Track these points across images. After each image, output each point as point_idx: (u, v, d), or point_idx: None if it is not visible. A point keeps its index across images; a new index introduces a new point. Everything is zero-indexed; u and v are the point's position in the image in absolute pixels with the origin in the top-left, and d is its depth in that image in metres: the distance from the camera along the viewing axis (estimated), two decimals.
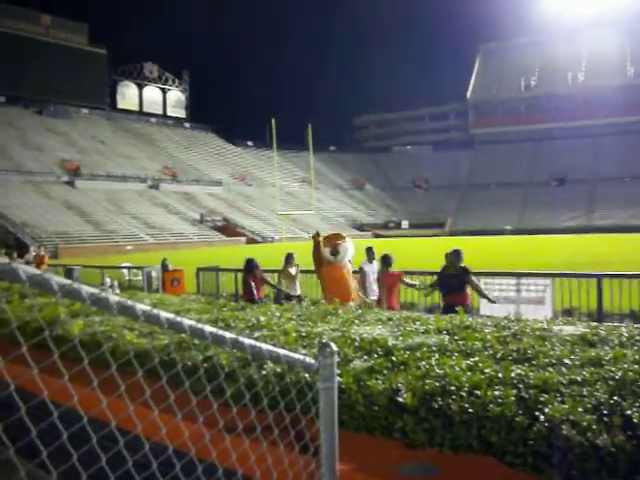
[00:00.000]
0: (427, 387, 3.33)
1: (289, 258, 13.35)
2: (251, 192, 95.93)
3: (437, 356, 3.88)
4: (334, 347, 2.40)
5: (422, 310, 12.97)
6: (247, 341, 2.15)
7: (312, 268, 13.44)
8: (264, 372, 3.77)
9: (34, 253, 28.15)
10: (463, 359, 3.75)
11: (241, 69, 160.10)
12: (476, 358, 3.77)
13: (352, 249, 9.71)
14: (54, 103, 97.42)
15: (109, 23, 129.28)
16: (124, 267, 24.16)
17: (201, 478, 2.36)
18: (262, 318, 5.45)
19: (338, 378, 2.67)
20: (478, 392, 3.18)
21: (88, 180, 75.95)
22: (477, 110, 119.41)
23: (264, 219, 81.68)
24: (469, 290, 10.10)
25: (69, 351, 2.44)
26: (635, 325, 4.85)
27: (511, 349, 3.94)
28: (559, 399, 3.03)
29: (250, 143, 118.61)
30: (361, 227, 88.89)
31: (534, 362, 3.67)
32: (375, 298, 10.80)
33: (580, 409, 2.86)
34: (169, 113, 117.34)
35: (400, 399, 3.30)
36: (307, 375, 3.32)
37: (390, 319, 5.34)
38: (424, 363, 3.71)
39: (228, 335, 2.06)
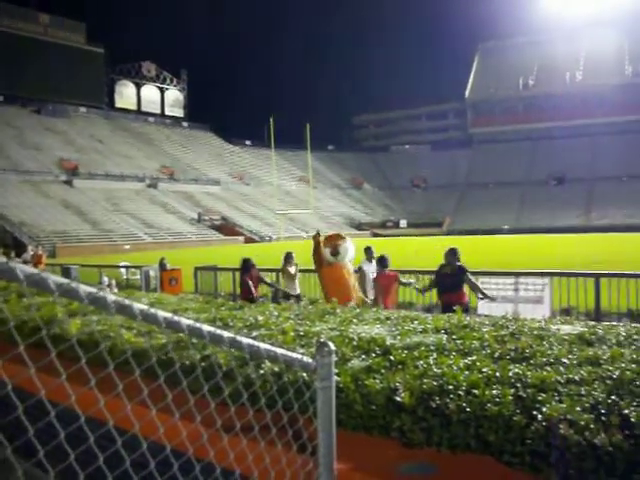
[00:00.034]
0: (425, 386, 3.33)
1: (288, 257, 13.39)
2: (249, 191, 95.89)
3: (435, 355, 3.88)
4: (332, 346, 2.40)
5: (420, 309, 12.98)
6: (245, 340, 2.15)
7: (311, 267, 13.50)
8: (262, 371, 3.77)
9: (32, 252, 28.15)
10: (461, 358, 3.75)
11: (239, 68, 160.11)
12: (474, 357, 3.77)
13: (352, 249, 9.71)
14: (52, 102, 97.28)
15: (107, 22, 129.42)
16: (122, 266, 24.15)
17: (199, 477, 2.36)
18: (260, 317, 5.45)
19: (336, 377, 2.67)
20: (476, 391, 3.18)
21: (86, 179, 75.86)
22: (475, 109, 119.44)
23: (262, 218, 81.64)
24: (466, 289, 10.11)
25: (67, 350, 2.44)
26: (633, 324, 4.85)
27: (509, 348, 3.94)
28: (557, 398, 3.03)
29: (248, 142, 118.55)
30: (359, 226, 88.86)
31: (532, 361, 3.67)
32: (372, 298, 10.81)
33: (578, 408, 2.86)
34: (167, 112, 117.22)
35: (398, 398, 3.30)
36: (305, 374, 3.32)
37: (388, 318, 5.34)
38: (422, 362, 3.71)
39: (226, 334, 2.05)
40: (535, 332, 4.40)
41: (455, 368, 3.53)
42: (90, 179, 76.26)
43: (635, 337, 4.13)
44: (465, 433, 3.09)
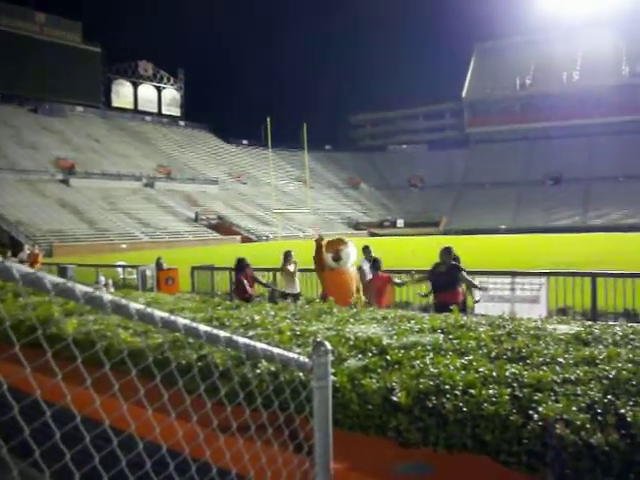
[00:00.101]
0: (421, 386, 3.33)
1: (287, 256, 13.47)
2: (246, 191, 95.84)
3: (431, 355, 3.88)
4: (328, 346, 2.40)
5: (417, 309, 12.99)
6: (241, 340, 2.15)
7: (310, 267, 13.52)
8: (258, 371, 3.77)
9: (28, 252, 28.05)
10: (457, 358, 3.75)
11: (236, 67, 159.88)
12: (470, 357, 3.77)
13: (355, 254, 9.71)
14: (49, 101, 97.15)
15: (103, 21, 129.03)
16: (118, 266, 24.14)
17: (195, 477, 2.35)
18: (256, 317, 5.45)
19: (332, 377, 2.67)
20: (472, 391, 3.18)
21: (83, 178, 75.77)
22: (472, 109, 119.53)
23: (259, 218, 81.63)
24: (461, 288, 10.12)
25: (63, 350, 2.44)
26: (629, 324, 4.86)
27: (505, 348, 3.94)
28: (553, 398, 3.03)
29: (245, 142, 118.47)
30: (356, 226, 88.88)
31: (528, 361, 3.68)
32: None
33: (574, 408, 2.86)
34: (164, 111, 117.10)
35: (394, 398, 3.30)
36: (301, 374, 3.32)
37: (385, 318, 5.34)
38: (418, 362, 3.71)
39: (222, 334, 2.05)
40: (532, 332, 4.40)
41: (452, 368, 3.53)
42: (87, 178, 76.17)
43: (631, 337, 4.13)
44: (461, 433, 3.09)
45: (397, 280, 11.94)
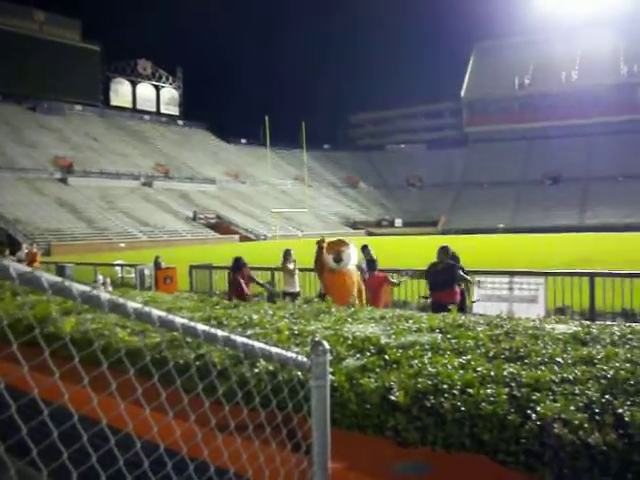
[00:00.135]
0: (419, 385, 3.33)
1: (287, 254, 13.51)
2: (245, 190, 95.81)
3: (430, 354, 3.88)
4: (326, 345, 2.39)
5: (414, 308, 13.00)
6: (239, 339, 2.15)
7: (308, 266, 13.54)
8: (256, 370, 3.77)
9: (26, 250, 28.05)
10: (455, 357, 3.75)
11: (235, 66, 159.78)
12: (468, 356, 3.77)
13: (355, 255, 9.72)
14: (47, 100, 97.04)
15: (102, 19, 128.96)
16: (117, 265, 24.14)
17: (193, 477, 2.35)
18: (255, 316, 5.45)
19: (330, 376, 2.67)
20: (470, 390, 3.18)
21: (81, 177, 75.75)
22: (471, 108, 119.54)
23: (257, 217, 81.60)
24: (459, 287, 10.12)
25: (60, 349, 2.43)
26: (627, 324, 4.86)
27: (503, 347, 3.94)
28: (551, 397, 3.03)
29: (244, 141, 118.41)
30: (354, 225, 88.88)
31: (526, 360, 3.68)
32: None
33: (572, 407, 2.87)
34: (163, 110, 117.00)
35: (392, 397, 3.30)
36: (299, 373, 3.32)
37: (383, 317, 5.34)
38: (416, 361, 3.71)
39: (220, 333, 2.05)
40: (530, 331, 4.40)
41: (450, 367, 3.53)
42: (85, 177, 76.14)
43: (629, 336, 4.14)
44: (460, 432, 3.09)
45: (394, 280, 11.98)
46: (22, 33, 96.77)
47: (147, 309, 1.80)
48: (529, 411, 2.94)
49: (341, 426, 3.44)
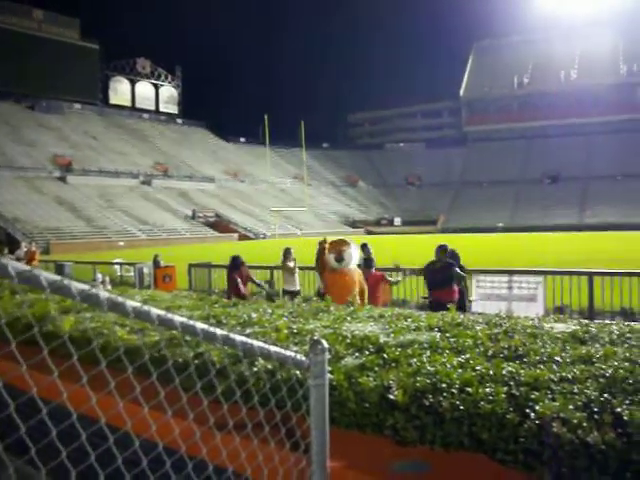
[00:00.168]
0: (418, 384, 3.33)
1: (287, 253, 13.53)
2: (243, 188, 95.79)
3: (428, 353, 3.88)
4: (325, 344, 2.39)
5: (413, 307, 13.01)
6: (238, 338, 2.14)
7: (308, 264, 13.55)
8: (255, 369, 3.77)
9: (25, 249, 28.05)
10: (454, 356, 3.75)
11: (234, 65, 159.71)
12: (467, 355, 3.77)
13: (357, 255, 9.73)
14: (46, 98, 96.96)
15: (101, 18, 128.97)
16: (116, 263, 24.12)
17: (191, 475, 2.35)
18: (254, 315, 5.45)
19: (329, 375, 2.67)
20: (469, 389, 3.18)
21: (80, 176, 75.70)
22: (470, 108, 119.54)
23: (256, 216, 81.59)
24: (457, 286, 10.11)
25: (59, 347, 2.43)
26: (626, 323, 4.87)
27: (502, 346, 3.94)
28: (550, 396, 3.03)
29: (243, 139, 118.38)
30: (353, 224, 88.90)
31: (525, 359, 3.68)
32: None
33: (571, 406, 2.87)
34: (162, 109, 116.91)
35: (391, 396, 3.30)
36: (298, 372, 3.32)
37: (382, 316, 5.34)
38: (415, 360, 3.71)
39: (219, 332, 2.05)
40: (528, 330, 4.40)
41: (448, 366, 3.53)
42: (84, 175, 76.10)
43: (628, 335, 4.14)
44: (458, 431, 3.09)
45: (391, 279, 12.00)
46: (21, 31, 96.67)
47: (146, 308, 1.79)
48: (528, 410, 2.94)
49: (340, 425, 3.44)
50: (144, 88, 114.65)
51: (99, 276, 19.14)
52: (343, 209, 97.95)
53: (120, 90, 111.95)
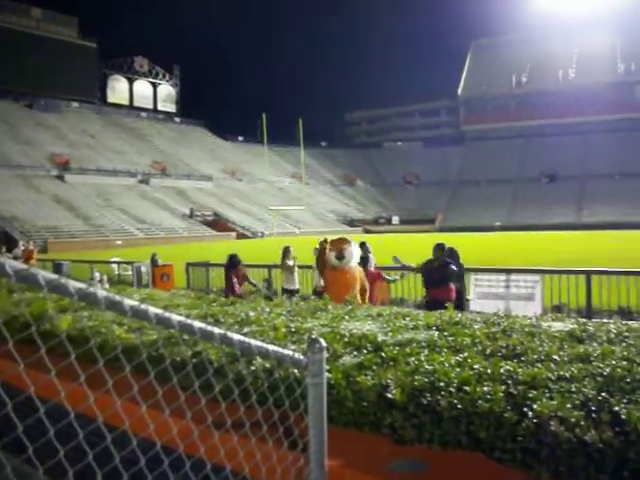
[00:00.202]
0: (416, 383, 3.33)
1: (286, 251, 13.55)
2: (241, 187, 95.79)
3: (426, 352, 3.88)
4: (323, 343, 2.39)
5: (411, 306, 13.01)
6: (236, 337, 2.14)
7: (307, 263, 13.55)
8: (253, 368, 3.77)
9: (23, 248, 28.01)
10: (452, 355, 3.75)
11: (232, 64, 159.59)
12: (465, 354, 3.77)
13: (358, 253, 9.76)
14: (44, 97, 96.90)
15: (99, 16, 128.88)
16: (113, 262, 24.10)
17: (189, 474, 2.35)
18: (251, 313, 5.44)
19: (327, 374, 2.67)
20: (467, 388, 3.18)
21: (78, 174, 75.68)
22: (468, 106, 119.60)
23: (254, 214, 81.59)
24: (454, 285, 10.10)
25: (57, 346, 2.43)
26: (623, 322, 4.87)
27: (500, 345, 3.94)
28: (547, 395, 3.03)
29: (241, 138, 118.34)
30: (351, 223, 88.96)
31: (523, 358, 3.68)
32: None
33: (568, 405, 2.87)
34: (159, 107, 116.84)
35: (389, 395, 3.30)
36: (296, 371, 3.32)
37: (380, 315, 5.33)
38: (413, 359, 3.71)
39: (217, 331, 2.05)
40: (526, 329, 4.40)
41: (446, 365, 3.53)
42: (82, 174, 76.08)
43: (626, 334, 4.14)
44: (456, 430, 3.09)
45: (389, 277, 12.06)
46: (19, 30, 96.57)
47: (144, 306, 1.79)
48: (525, 409, 2.94)
49: (338, 424, 3.44)
50: (142, 87, 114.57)
51: (97, 275, 19.13)
52: (341, 208, 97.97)
53: (118, 89, 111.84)
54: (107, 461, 1.98)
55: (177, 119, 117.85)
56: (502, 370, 3.39)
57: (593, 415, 2.80)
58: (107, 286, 15.48)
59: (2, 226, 52.98)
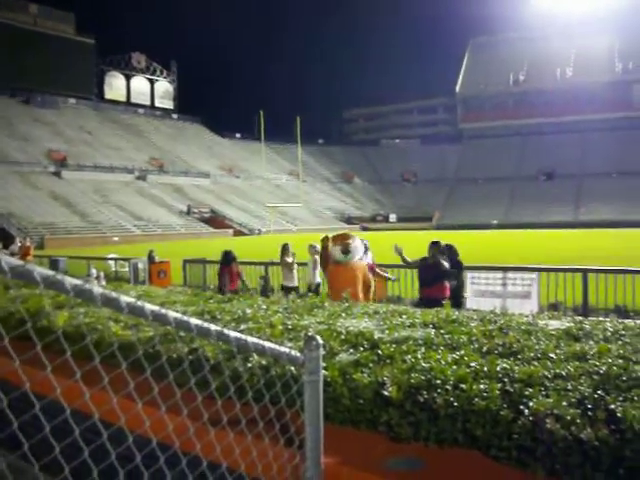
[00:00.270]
0: (413, 381, 3.33)
1: (285, 248, 13.54)
2: (239, 184, 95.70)
3: (423, 350, 3.87)
4: (320, 340, 2.39)
5: (408, 304, 13.02)
6: (232, 334, 2.14)
7: (305, 260, 13.54)
8: (249, 365, 3.76)
9: (19, 244, 27.97)
10: (449, 353, 3.75)
11: (230, 60, 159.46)
12: (462, 352, 3.77)
13: (362, 248, 9.74)
14: (41, 93, 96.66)
15: (97, 12, 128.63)
16: (110, 258, 24.08)
17: (185, 471, 2.35)
18: (248, 310, 5.43)
19: (324, 371, 2.67)
20: (463, 386, 3.18)
21: (75, 171, 75.56)
22: (466, 104, 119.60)
23: (251, 211, 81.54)
24: (449, 283, 10.07)
25: (53, 343, 2.42)
26: (620, 320, 4.88)
27: (497, 343, 3.94)
28: (544, 393, 3.03)
29: (238, 135, 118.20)
30: (349, 220, 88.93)
31: (519, 356, 3.68)
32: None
33: (564, 403, 2.87)
34: (157, 104, 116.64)
35: (386, 392, 3.30)
36: (293, 368, 3.32)
37: (376, 312, 5.33)
38: (410, 357, 3.71)
39: (213, 327, 2.05)
40: (523, 327, 4.40)
41: (443, 362, 3.53)
42: (79, 170, 75.96)
43: (622, 333, 4.14)
44: (452, 427, 3.09)
45: (387, 274, 12.05)
46: (16, 26, 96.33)
47: (140, 303, 1.79)
48: (522, 407, 2.94)
49: (334, 421, 3.44)
50: (139, 83, 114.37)
51: (93, 271, 19.10)
52: (338, 205, 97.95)
53: (115, 85, 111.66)
54: (103, 458, 1.98)
55: (174, 116, 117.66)
56: (498, 368, 3.39)
57: (589, 413, 2.80)
58: (104, 283, 15.46)
59: None
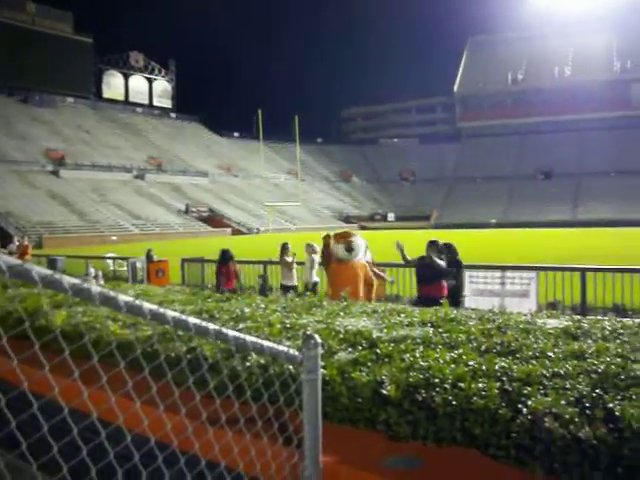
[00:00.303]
0: (411, 379, 3.33)
1: (284, 248, 13.54)
2: (237, 183, 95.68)
3: (421, 348, 3.87)
4: (318, 339, 2.39)
5: (407, 303, 13.02)
6: (231, 333, 2.14)
7: (304, 260, 13.54)
8: (248, 364, 3.76)
9: (17, 243, 27.97)
10: (447, 351, 3.75)
11: (228, 59, 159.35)
12: (460, 351, 3.77)
13: (364, 245, 9.73)
14: (39, 92, 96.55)
15: (94, 11, 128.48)
16: (109, 257, 24.08)
17: (184, 470, 2.35)
18: (247, 309, 5.43)
19: (322, 370, 2.67)
20: (462, 385, 3.18)
21: (73, 170, 75.50)
22: (464, 103, 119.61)
23: (250, 210, 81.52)
24: (446, 282, 10.06)
25: (51, 342, 2.42)
26: (618, 319, 4.88)
27: (495, 342, 3.95)
28: (542, 392, 3.04)
29: (237, 134, 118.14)
30: (347, 219, 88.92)
31: (518, 355, 3.68)
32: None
33: (563, 402, 2.87)
34: (155, 103, 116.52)
35: (384, 391, 3.30)
36: (291, 367, 3.32)
37: (375, 311, 5.33)
38: (408, 355, 3.71)
39: (212, 326, 2.04)
40: (521, 326, 4.40)
41: (441, 361, 3.53)
42: (77, 170, 75.89)
43: (620, 331, 4.14)
44: (451, 426, 3.09)
45: (385, 274, 12.05)
46: (14, 24, 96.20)
47: (138, 302, 1.79)
48: (520, 405, 2.95)
49: (332, 420, 3.44)
50: (137, 82, 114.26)
51: (92, 270, 19.10)
52: (337, 204, 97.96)
53: (113, 84, 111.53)
54: (101, 457, 1.97)
55: (173, 115, 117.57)
56: (497, 367, 3.39)
57: (587, 412, 2.80)
58: (102, 282, 15.46)
59: None
